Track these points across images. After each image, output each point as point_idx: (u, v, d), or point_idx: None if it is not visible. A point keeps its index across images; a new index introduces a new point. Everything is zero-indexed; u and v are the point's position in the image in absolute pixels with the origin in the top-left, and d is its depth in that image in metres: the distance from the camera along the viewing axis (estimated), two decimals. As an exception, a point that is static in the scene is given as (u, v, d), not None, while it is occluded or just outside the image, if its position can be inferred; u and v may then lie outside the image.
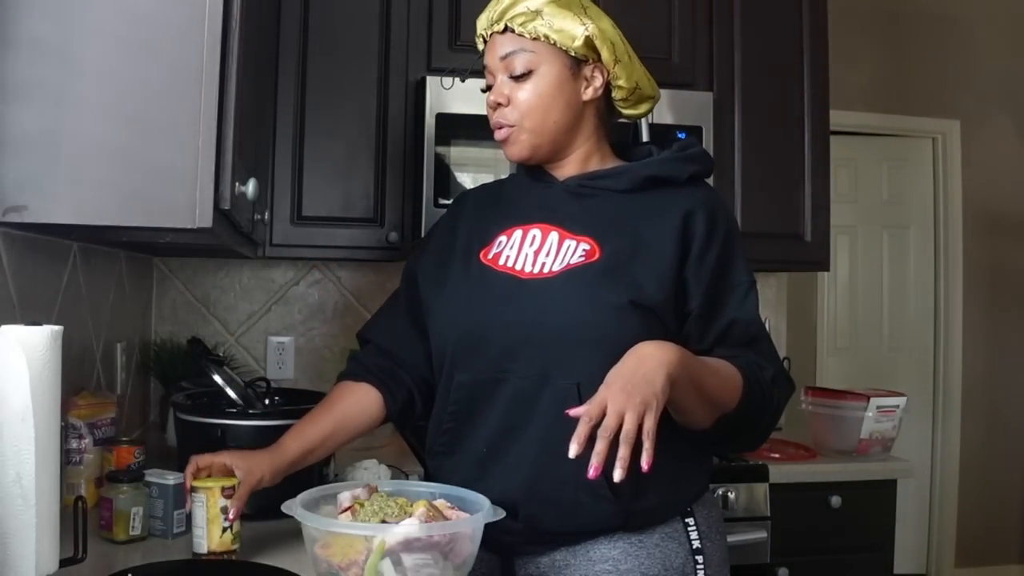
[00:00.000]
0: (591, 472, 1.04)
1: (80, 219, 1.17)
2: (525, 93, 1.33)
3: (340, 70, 2.35)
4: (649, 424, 1.06)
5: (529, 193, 1.40)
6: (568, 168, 1.38)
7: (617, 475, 1.04)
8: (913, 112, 4.21)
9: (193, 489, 1.27)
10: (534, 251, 1.32)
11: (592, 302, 1.25)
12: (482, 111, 1.40)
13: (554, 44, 1.32)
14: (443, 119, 2.29)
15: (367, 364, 1.46)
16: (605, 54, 1.34)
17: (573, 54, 1.33)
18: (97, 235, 1.54)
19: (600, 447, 1.04)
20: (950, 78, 4.26)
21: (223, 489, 1.26)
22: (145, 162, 1.17)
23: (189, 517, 1.31)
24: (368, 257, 2.43)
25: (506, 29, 1.33)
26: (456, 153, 2.33)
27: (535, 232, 1.34)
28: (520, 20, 1.32)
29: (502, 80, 1.34)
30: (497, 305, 1.31)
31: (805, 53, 2.65)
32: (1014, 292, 4.35)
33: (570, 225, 1.33)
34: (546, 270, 1.30)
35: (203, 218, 1.18)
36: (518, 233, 1.35)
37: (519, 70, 1.32)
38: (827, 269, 2.77)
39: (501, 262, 1.34)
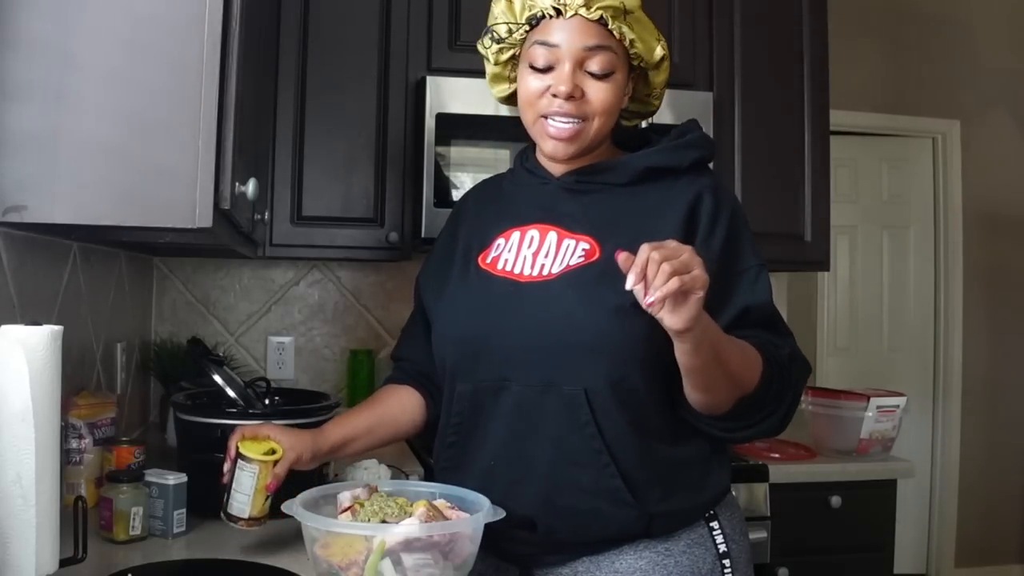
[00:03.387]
0: (647, 301, 0.97)
1: (80, 219, 1.17)
2: (604, 94, 1.24)
3: (340, 70, 2.35)
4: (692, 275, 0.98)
5: (526, 191, 1.35)
6: (576, 163, 1.31)
7: (654, 296, 0.97)
8: (913, 112, 4.21)
9: (244, 458, 1.28)
10: (532, 253, 1.28)
11: (593, 304, 1.20)
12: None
13: (628, 50, 1.26)
14: (443, 119, 2.29)
15: (409, 371, 1.46)
16: (663, 76, 1.32)
17: (635, 63, 1.29)
18: (97, 235, 1.54)
19: (651, 273, 0.97)
20: (950, 78, 4.25)
21: (274, 464, 1.29)
22: (145, 162, 1.17)
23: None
24: (368, 257, 2.43)
25: (600, 19, 1.23)
26: (456, 153, 2.33)
27: (533, 233, 1.29)
28: (611, 12, 1.23)
29: (574, 69, 1.23)
30: (496, 311, 1.26)
31: (805, 53, 2.64)
32: (1014, 292, 4.35)
33: (569, 224, 1.28)
34: (545, 272, 1.25)
35: (203, 218, 1.18)
36: (516, 235, 1.31)
37: (599, 70, 1.24)
38: (827, 269, 2.76)
39: (500, 266, 1.30)
